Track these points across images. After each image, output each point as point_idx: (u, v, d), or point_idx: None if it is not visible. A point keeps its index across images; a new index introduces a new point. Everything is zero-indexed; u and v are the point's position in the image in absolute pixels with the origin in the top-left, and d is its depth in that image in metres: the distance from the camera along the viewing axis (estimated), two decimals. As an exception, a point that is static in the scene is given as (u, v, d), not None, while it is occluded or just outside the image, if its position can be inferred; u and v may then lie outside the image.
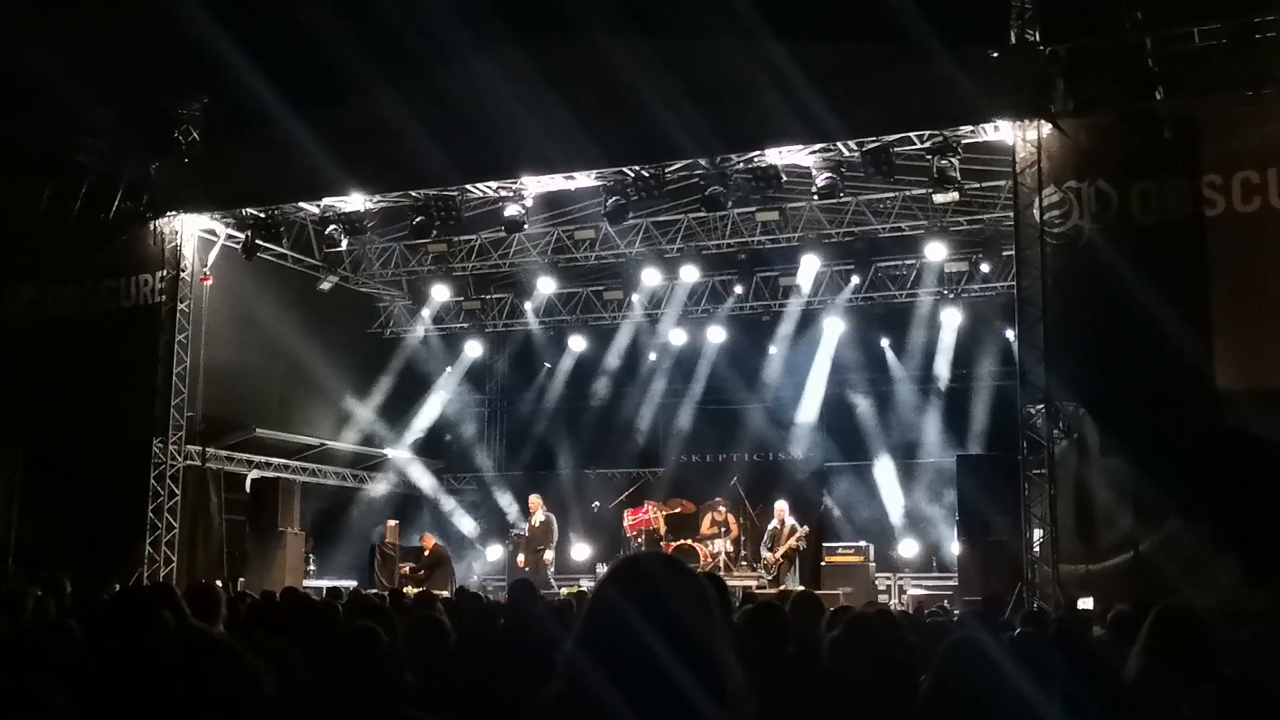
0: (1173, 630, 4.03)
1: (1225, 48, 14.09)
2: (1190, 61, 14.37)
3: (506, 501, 24.97)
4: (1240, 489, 13.04)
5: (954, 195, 16.71)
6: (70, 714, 3.24)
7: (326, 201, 18.76)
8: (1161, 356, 13.57)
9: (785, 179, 16.84)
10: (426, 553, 20.92)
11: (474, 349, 25.77)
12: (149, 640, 4.56)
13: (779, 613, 5.34)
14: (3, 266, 19.71)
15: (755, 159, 16.55)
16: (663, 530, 21.26)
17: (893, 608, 15.39)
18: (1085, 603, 12.75)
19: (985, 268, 20.58)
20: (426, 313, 24.22)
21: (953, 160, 15.76)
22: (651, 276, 22.52)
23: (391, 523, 22.25)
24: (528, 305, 24.27)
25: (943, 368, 22.28)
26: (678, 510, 21.89)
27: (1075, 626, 8.22)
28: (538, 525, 21.17)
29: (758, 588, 18.08)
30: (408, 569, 20.72)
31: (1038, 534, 14.48)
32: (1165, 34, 14.34)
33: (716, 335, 24.04)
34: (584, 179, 17.79)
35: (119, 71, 20.06)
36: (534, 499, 21.78)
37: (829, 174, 16.49)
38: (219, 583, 15.47)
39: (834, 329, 22.98)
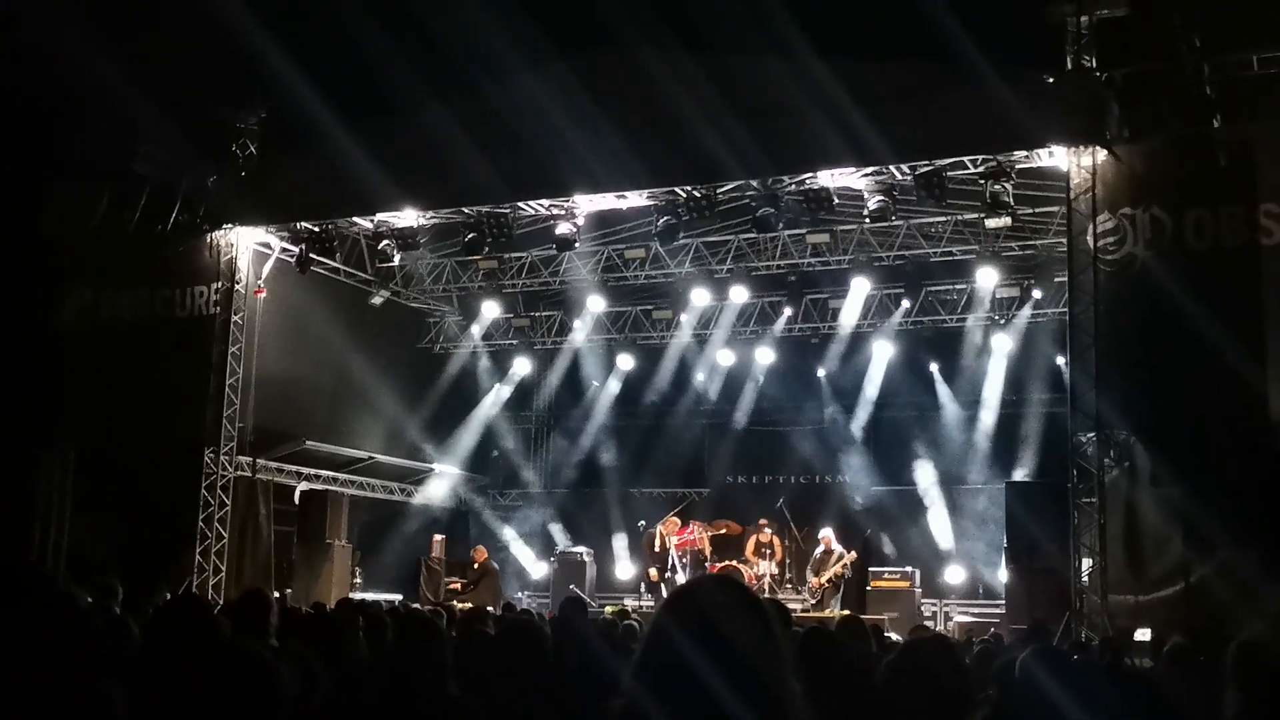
0: (1264, 668, 4.00)
1: (1284, 75, 13.97)
2: (1248, 88, 14.26)
3: (552, 519, 25.03)
4: (1294, 519, 12.86)
5: (1006, 220, 16.65)
6: (127, 713, 3.29)
7: (380, 216, 18.92)
8: (1214, 385, 13.44)
9: (837, 201, 16.83)
10: (476, 565, 21.01)
11: (522, 366, 25.88)
12: (201, 645, 4.62)
13: (829, 637, 5.33)
14: (60, 271, 19.98)
15: (807, 181, 16.55)
16: (708, 551, 21.23)
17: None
18: (1142, 634, 12.60)
19: (1037, 294, 20.45)
20: (476, 329, 24.37)
21: (1006, 185, 15.69)
22: (701, 296, 22.54)
23: (438, 537, 22.38)
24: (577, 323, 24.34)
25: (992, 393, 22.10)
26: (723, 531, 21.85)
27: (1124, 657, 8.14)
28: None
29: (802, 612, 18.00)
30: (455, 584, 20.82)
31: (1086, 563, 14.34)
32: (1223, 60, 14.22)
33: (765, 356, 24.00)
34: (635, 198, 17.86)
35: (178, 83, 20.33)
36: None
37: (881, 197, 16.46)
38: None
39: (883, 352, 22.90)
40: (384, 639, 6.76)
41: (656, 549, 21.12)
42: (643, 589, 21.93)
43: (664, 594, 20.18)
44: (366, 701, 4.50)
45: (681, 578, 20.73)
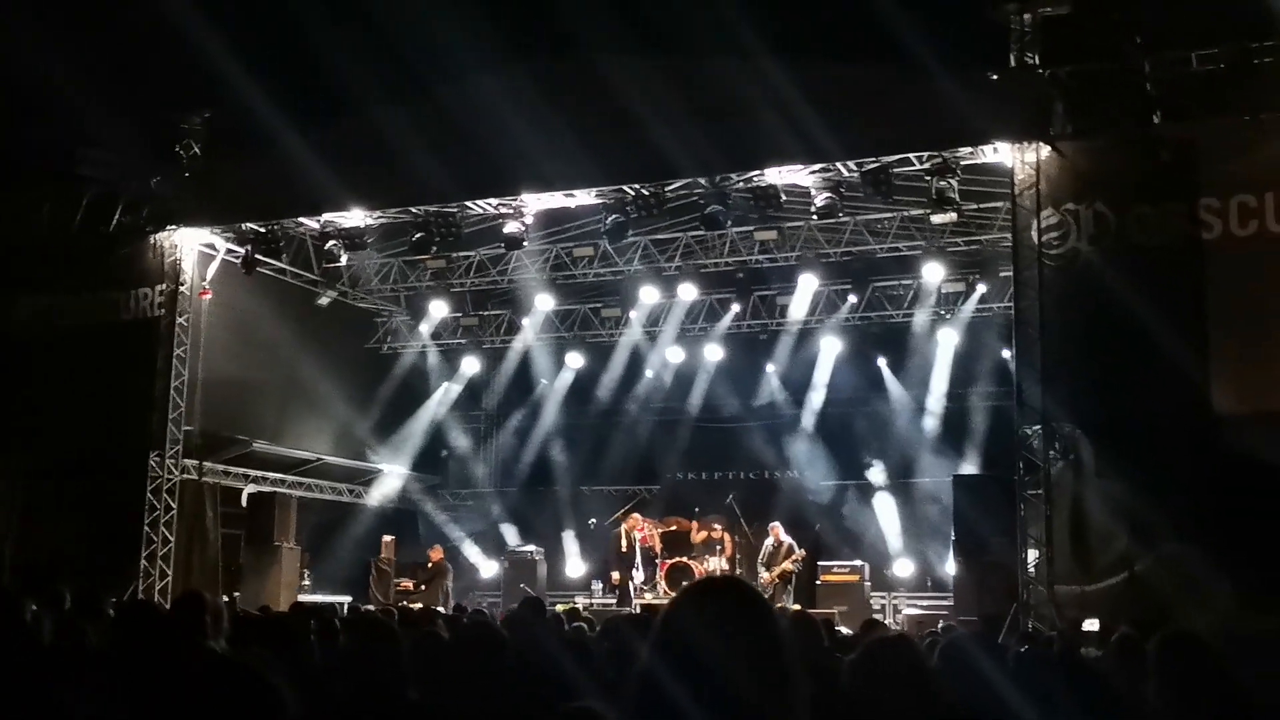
0: (1186, 658, 4.06)
1: (1224, 72, 14.18)
2: (1189, 86, 14.46)
3: (502, 518, 24.98)
4: (1235, 512, 13.06)
5: (952, 216, 16.80)
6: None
7: (326, 216, 18.77)
8: (1158, 379, 13.63)
9: (784, 198, 16.91)
10: (430, 564, 20.93)
11: (471, 365, 25.80)
12: (174, 658, 4.59)
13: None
14: (3, 278, 19.70)
15: (755, 178, 16.61)
16: (658, 548, 21.25)
17: (888, 626, 15.38)
18: (1090, 624, 12.76)
19: (982, 288, 20.67)
20: (424, 328, 24.26)
21: (951, 181, 15.83)
22: (649, 294, 22.57)
23: (388, 538, 22.24)
24: (525, 321, 24.30)
25: (939, 388, 22.31)
26: (673, 528, 21.89)
27: (1077, 648, 8.24)
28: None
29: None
30: (406, 584, 20.73)
31: (1033, 555, 14.50)
32: (1164, 58, 14.44)
33: (714, 353, 24.09)
34: (584, 197, 17.84)
35: (120, 84, 20.13)
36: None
37: (828, 194, 16.55)
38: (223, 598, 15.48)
39: (831, 348, 23.04)
40: (337, 642, 6.74)
41: (624, 549, 20.86)
42: (601, 590, 21.91)
43: (631, 594, 20.15)
44: (323, 707, 4.47)
45: (640, 575, 20.74)
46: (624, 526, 21.10)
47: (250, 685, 2.92)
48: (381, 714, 4.27)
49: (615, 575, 20.86)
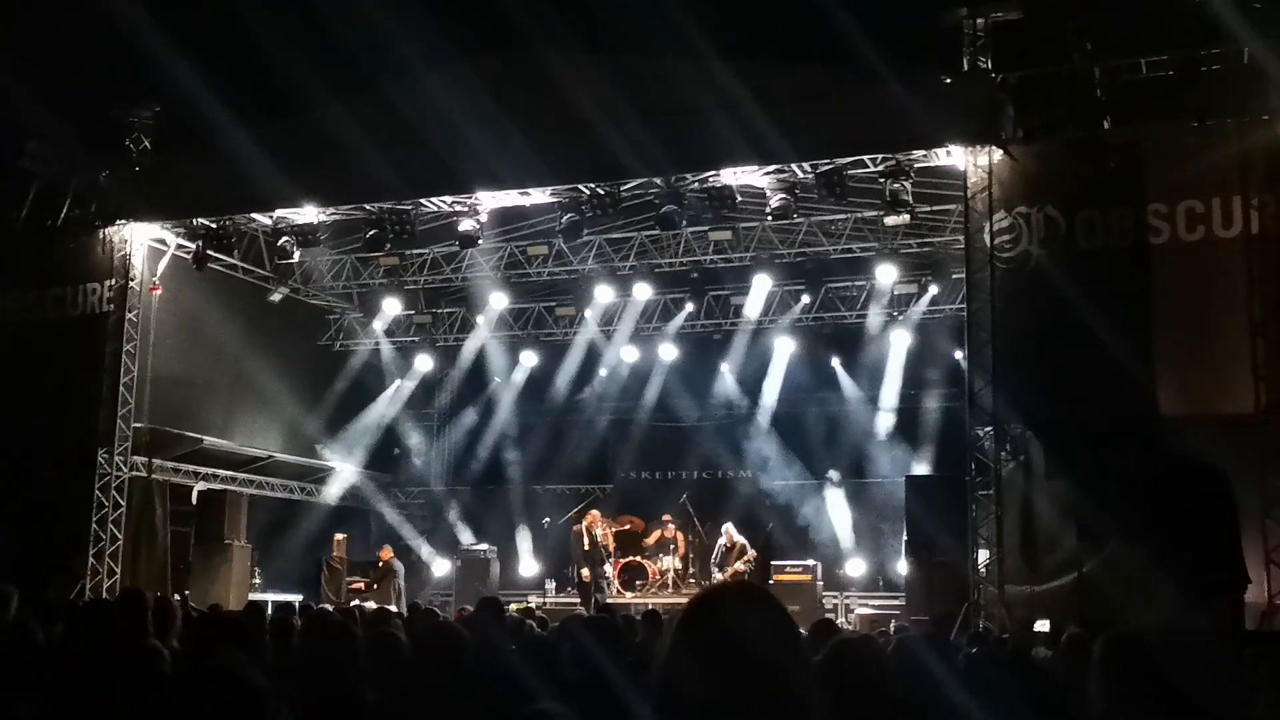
0: (1128, 660, 4.11)
1: (1171, 79, 14.38)
2: (1137, 92, 14.64)
3: (455, 516, 24.91)
4: (1179, 513, 13.23)
5: (905, 218, 16.91)
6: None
7: (279, 213, 18.62)
8: (1105, 381, 13.79)
9: (739, 199, 16.96)
10: (381, 564, 20.81)
11: (424, 363, 25.72)
12: (131, 659, 4.55)
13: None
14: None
15: (710, 179, 16.65)
16: (611, 547, 21.23)
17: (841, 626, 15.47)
18: (1041, 625, 12.89)
19: (934, 289, 20.84)
20: (377, 325, 24.18)
21: (905, 184, 15.93)
22: (604, 293, 22.58)
23: (339, 536, 22.12)
24: (479, 320, 24.25)
25: (892, 389, 22.47)
26: (627, 527, 21.91)
27: (1028, 648, 8.33)
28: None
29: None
30: (358, 583, 20.61)
31: (984, 555, 14.64)
32: (1113, 64, 14.61)
33: (668, 353, 24.15)
34: (539, 195, 17.81)
35: (68, 78, 19.90)
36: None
37: (783, 195, 16.62)
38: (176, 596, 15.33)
39: (784, 348, 23.17)
40: (290, 642, 6.70)
41: (586, 546, 20.51)
42: (554, 589, 21.84)
43: (602, 591, 19.95)
44: (277, 707, 4.44)
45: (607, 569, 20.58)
46: (584, 524, 20.89)
47: (241, 692, 2.91)
48: (338, 716, 4.26)
49: (585, 573, 20.40)
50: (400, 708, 4.35)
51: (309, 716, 4.33)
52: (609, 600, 19.25)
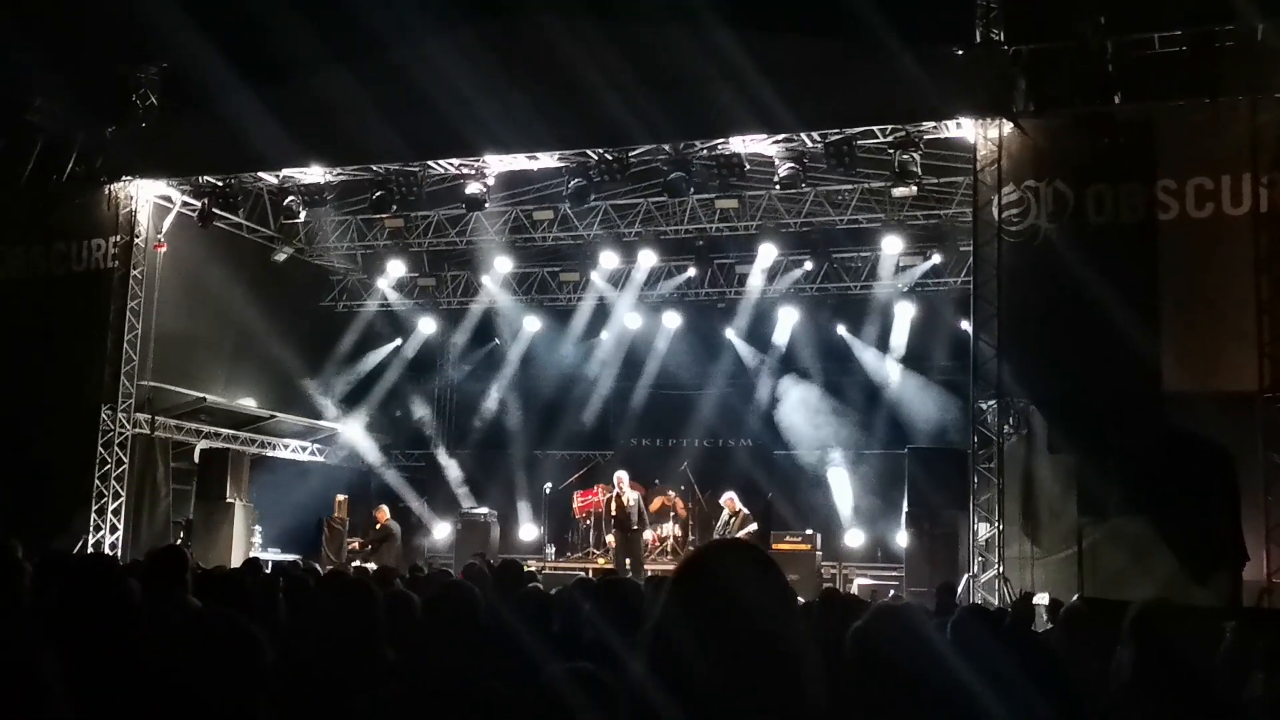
0: (1162, 631, 4.15)
1: (1184, 55, 14.32)
2: (1149, 67, 14.60)
3: (456, 480, 24.94)
4: (1182, 488, 13.30)
5: (912, 189, 16.90)
6: (60, 682, 3.22)
7: (285, 172, 18.59)
8: (1111, 356, 13.82)
9: (748, 168, 16.94)
10: (378, 525, 20.82)
11: (428, 325, 25.70)
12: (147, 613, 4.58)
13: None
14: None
15: (719, 147, 16.62)
16: (612, 513, 21.20)
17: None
18: (1041, 598, 12.96)
19: (937, 258, 20.86)
20: (382, 287, 24.16)
21: (914, 155, 15.93)
22: (609, 259, 22.55)
23: (340, 497, 22.13)
24: (484, 281, 24.23)
25: (895, 360, 22.48)
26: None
27: (1028, 620, 8.37)
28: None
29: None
30: (356, 544, 20.65)
31: (985, 527, 14.70)
32: (1126, 39, 14.57)
33: (671, 320, 24.15)
34: (547, 159, 17.78)
35: (75, 34, 19.78)
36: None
37: (791, 164, 16.62)
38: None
39: (788, 318, 23.17)
40: (306, 599, 6.74)
41: (614, 512, 19.58)
42: (554, 554, 21.84)
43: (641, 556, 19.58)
44: (297, 665, 4.47)
45: (648, 533, 20.24)
46: (615, 490, 19.74)
47: (229, 634, 2.94)
48: (358, 673, 4.29)
49: (610, 539, 19.98)
50: (418, 665, 4.38)
51: (330, 673, 4.37)
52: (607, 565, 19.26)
